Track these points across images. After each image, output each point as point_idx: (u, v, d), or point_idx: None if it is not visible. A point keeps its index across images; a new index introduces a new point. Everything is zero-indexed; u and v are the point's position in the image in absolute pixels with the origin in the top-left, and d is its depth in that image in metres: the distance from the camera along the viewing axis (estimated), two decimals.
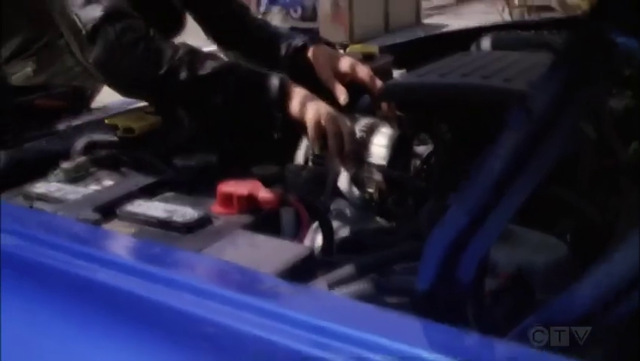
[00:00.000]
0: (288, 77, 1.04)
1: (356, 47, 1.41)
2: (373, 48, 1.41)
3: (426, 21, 9.23)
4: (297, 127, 1.01)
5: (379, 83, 1.18)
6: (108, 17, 0.99)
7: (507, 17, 7.10)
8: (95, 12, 0.99)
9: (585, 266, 0.53)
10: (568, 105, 0.48)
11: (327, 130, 0.99)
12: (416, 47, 1.58)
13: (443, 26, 9.17)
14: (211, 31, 1.38)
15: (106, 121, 1.06)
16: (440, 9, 10.22)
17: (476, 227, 0.55)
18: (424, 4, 9.46)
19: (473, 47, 1.35)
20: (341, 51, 1.49)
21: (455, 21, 9.06)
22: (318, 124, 0.99)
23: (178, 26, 1.34)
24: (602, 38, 0.52)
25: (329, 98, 1.15)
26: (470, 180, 0.56)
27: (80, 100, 1.41)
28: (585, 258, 0.67)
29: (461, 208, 0.55)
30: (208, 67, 1.00)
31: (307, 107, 1.00)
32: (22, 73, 1.28)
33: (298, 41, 1.29)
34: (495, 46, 1.30)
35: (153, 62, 0.98)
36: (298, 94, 1.02)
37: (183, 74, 0.98)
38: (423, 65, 1.42)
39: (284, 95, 1.01)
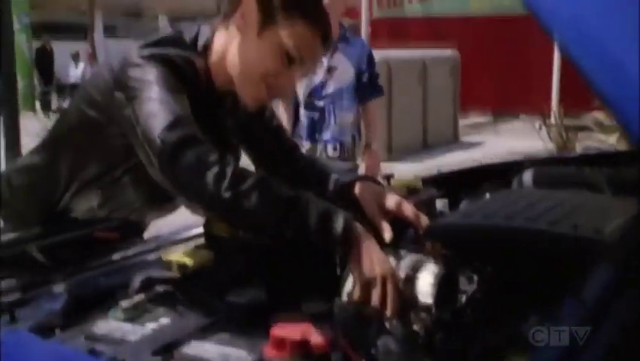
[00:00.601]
0: (352, 217, 1.06)
1: (400, 182, 1.46)
2: (416, 182, 1.46)
3: (464, 138, 9.41)
4: (354, 273, 1.04)
5: (424, 219, 1.21)
6: (188, 139, 1.07)
7: (544, 135, 7.18)
8: (176, 134, 1.07)
9: None
10: (618, 300, 0.50)
11: (388, 293, 1.01)
12: (458, 178, 1.62)
13: (480, 144, 9.33)
14: (263, 165, 1.46)
15: (162, 257, 1.11)
16: (478, 127, 10.43)
17: None
18: (461, 122, 9.67)
19: (515, 182, 1.39)
20: (384, 181, 1.55)
21: (493, 139, 9.22)
22: (384, 283, 1.01)
23: (234, 159, 1.42)
24: None
25: (374, 234, 1.19)
26: None
27: (135, 231, 1.48)
28: None
29: None
30: (283, 195, 1.04)
31: (374, 263, 1.02)
32: (87, 206, 1.36)
33: (345, 178, 1.34)
34: (537, 182, 1.34)
35: (230, 185, 1.03)
36: (364, 242, 1.04)
37: (254, 199, 1.02)
38: (465, 196, 1.46)
39: (349, 240, 1.03)
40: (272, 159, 1.45)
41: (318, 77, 2.90)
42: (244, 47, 1.22)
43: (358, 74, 3.00)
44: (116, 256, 1.31)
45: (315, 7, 1.22)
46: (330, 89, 2.96)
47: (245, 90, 1.24)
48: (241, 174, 1.04)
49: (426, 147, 8.47)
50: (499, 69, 10.06)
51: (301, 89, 2.92)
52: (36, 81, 15.19)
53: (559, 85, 8.76)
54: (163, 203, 1.37)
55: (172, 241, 1.33)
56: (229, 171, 1.04)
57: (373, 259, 1.02)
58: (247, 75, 1.22)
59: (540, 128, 7.62)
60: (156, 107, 1.11)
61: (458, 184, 1.56)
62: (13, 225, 1.43)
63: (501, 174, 1.53)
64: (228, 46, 1.25)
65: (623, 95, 0.49)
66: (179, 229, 1.40)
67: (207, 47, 1.26)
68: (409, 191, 1.40)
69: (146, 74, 1.15)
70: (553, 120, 7.43)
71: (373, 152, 3.07)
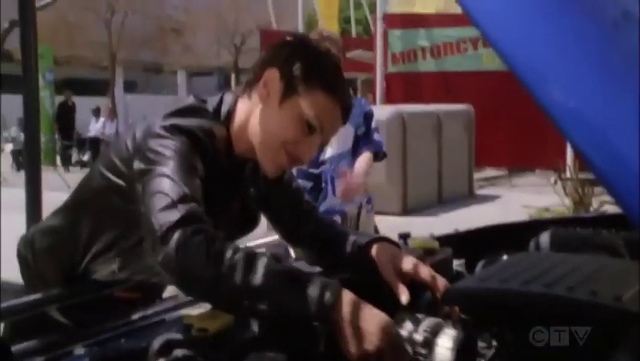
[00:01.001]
0: (338, 284, 1.03)
1: (417, 242, 1.47)
2: (433, 243, 1.46)
3: (479, 192, 9.41)
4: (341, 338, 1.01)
5: (441, 281, 1.22)
6: (183, 221, 1.05)
7: (559, 190, 7.16)
8: (173, 216, 1.06)
9: None
10: None
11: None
12: (475, 238, 1.63)
13: (496, 197, 9.32)
14: (281, 228, 1.48)
15: (182, 319, 1.12)
16: (493, 180, 10.43)
17: None
18: (476, 175, 9.69)
19: (532, 244, 1.39)
20: (400, 240, 1.56)
21: (508, 193, 9.20)
22: (383, 338, 0.99)
23: (252, 225, 1.44)
24: None
25: (391, 296, 1.20)
26: None
27: (155, 291, 1.50)
28: None
29: None
30: (259, 272, 1.02)
31: (366, 318, 1.00)
32: (108, 270, 1.37)
33: (362, 240, 1.36)
34: (554, 244, 1.34)
35: (212, 264, 1.01)
36: (349, 301, 1.02)
37: (236, 277, 1.01)
38: (482, 256, 1.47)
39: (333, 306, 1.01)
40: (290, 222, 1.47)
41: None
42: (265, 115, 1.25)
43: (355, 132, 2.97)
44: (136, 316, 1.32)
45: (335, 77, 1.25)
46: (327, 154, 2.80)
47: (266, 157, 1.27)
48: (229, 251, 1.03)
49: (441, 200, 8.47)
50: (514, 124, 10.12)
51: None
52: (57, 135, 15.49)
53: None
54: None
55: (192, 300, 1.34)
56: (217, 249, 1.02)
57: (376, 315, 1.01)
58: (268, 143, 1.25)
59: (555, 182, 7.62)
60: (162, 187, 1.10)
61: (474, 244, 1.57)
62: (34, 286, 1.45)
63: (517, 234, 1.54)
64: (250, 114, 1.28)
65: (624, 186, 0.52)
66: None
67: (230, 114, 1.29)
68: (425, 252, 1.41)
69: (164, 147, 1.16)
70: (568, 174, 7.42)
71: (350, 174, 2.94)
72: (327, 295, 1.00)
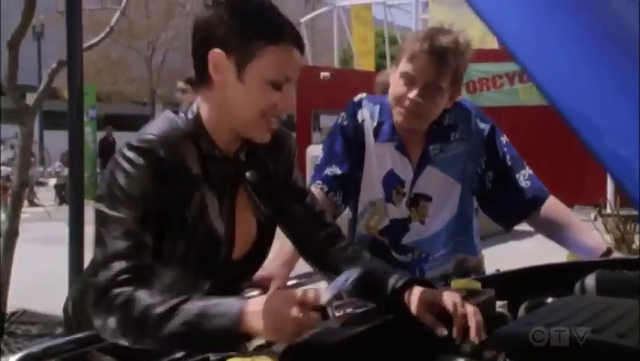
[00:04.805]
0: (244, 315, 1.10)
1: (459, 283, 1.46)
2: (476, 284, 1.45)
3: (517, 227, 9.25)
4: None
5: (481, 324, 1.20)
6: (112, 282, 1.16)
7: (600, 226, 7.01)
8: (104, 276, 1.17)
9: None
10: None
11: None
12: (517, 279, 1.61)
13: (533, 233, 9.13)
14: (305, 252, 1.49)
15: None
16: None
17: None
18: None
19: (577, 287, 1.37)
20: (442, 281, 1.54)
21: None
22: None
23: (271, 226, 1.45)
24: None
25: (430, 336, 1.19)
26: None
27: None
28: None
29: None
30: (173, 326, 1.10)
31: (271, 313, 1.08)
32: None
33: (398, 281, 1.33)
34: (600, 287, 1.31)
35: (134, 328, 1.13)
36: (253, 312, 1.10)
37: (156, 334, 1.11)
38: (525, 298, 1.44)
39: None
40: (315, 248, 1.46)
41: (393, 213, 1.86)
42: (232, 96, 1.26)
43: (480, 180, 1.85)
44: (178, 355, 1.33)
45: (272, 23, 1.24)
46: (415, 234, 1.87)
47: (253, 131, 1.29)
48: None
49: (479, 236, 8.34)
50: (551, 158, 9.98)
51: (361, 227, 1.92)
52: (99, 170, 15.82)
53: None
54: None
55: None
56: (137, 311, 1.12)
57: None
58: (247, 120, 1.27)
59: (595, 219, 7.45)
60: (104, 237, 1.20)
61: (517, 285, 1.54)
62: (74, 328, 1.46)
63: (561, 276, 1.51)
64: (217, 102, 1.28)
65: None
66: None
67: (196, 117, 1.30)
68: (468, 292, 1.40)
69: (120, 184, 1.21)
70: (608, 210, 7.26)
71: None
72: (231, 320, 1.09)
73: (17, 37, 4.04)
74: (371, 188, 1.87)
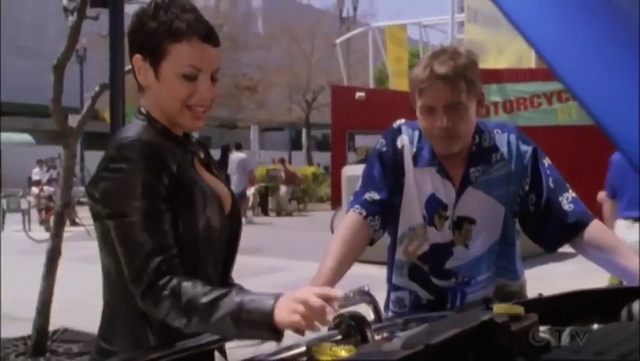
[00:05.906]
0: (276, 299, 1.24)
1: (502, 308, 1.43)
2: (519, 309, 1.42)
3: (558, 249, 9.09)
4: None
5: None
6: (155, 275, 1.28)
7: None
8: (145, 271, 1.30)
9: None
10: None
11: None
12: (561, 304, 1.58)
13: (575, 255, 8.95)
14: None
15: None
16: None
17: None
18: None
19: (623, 313, 1.33)
20: (482, 305, 1.52)
21: None
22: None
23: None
24: None
25: None
26: None
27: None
28: None
29: None
30: (215, 318, 1.24)
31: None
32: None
33: None
34: None
35: (181, 316, 1.27)
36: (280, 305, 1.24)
37: (201, 322, 1.26)
38: (569, 323, 1.41)
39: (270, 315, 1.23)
40: None
41: (435, 237, 1.83)
42: (156, 94, 1.41)
43: (522, 202, 1.81)
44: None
45: (172, 21, 1.36)
46: (459, 258, 1.82)
47: (180, 122, 1.43)
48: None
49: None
50: (590, 178, 9.80)
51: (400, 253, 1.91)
52: None
53: None
54: None
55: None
56: (184, 300, 1.27)
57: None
58: (172, 113, 1.41)
59: None
60: (134, 236, 1.31)
61: (560, 310, 1.51)
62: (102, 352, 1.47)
63: (606, 301, 1.48)
64: (152, 103, 1.43)
65: None
66: (280, 350, 1.42)
67: (147, 115, 1.44)
68: (510, 317, 1.37)
69: (121, 175, 1.33)
70: None
71: None
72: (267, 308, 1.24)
73: (63, 60, 4.16)
74: (411, 213, 1.87)
